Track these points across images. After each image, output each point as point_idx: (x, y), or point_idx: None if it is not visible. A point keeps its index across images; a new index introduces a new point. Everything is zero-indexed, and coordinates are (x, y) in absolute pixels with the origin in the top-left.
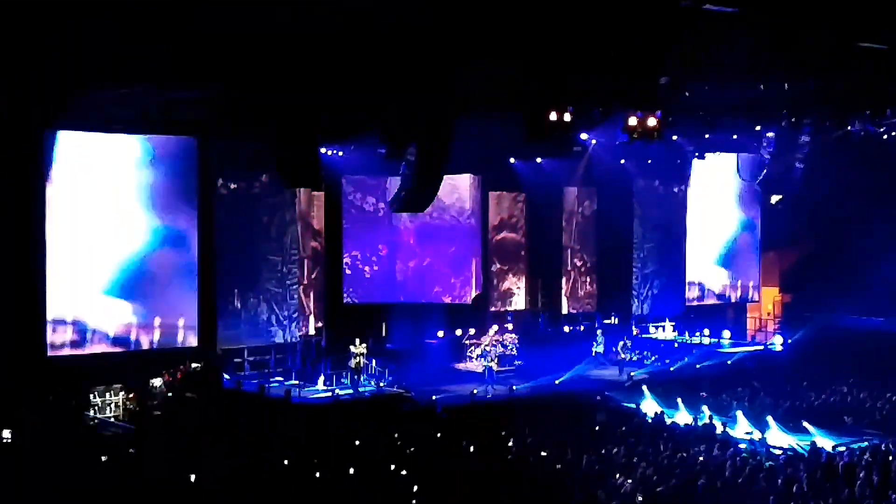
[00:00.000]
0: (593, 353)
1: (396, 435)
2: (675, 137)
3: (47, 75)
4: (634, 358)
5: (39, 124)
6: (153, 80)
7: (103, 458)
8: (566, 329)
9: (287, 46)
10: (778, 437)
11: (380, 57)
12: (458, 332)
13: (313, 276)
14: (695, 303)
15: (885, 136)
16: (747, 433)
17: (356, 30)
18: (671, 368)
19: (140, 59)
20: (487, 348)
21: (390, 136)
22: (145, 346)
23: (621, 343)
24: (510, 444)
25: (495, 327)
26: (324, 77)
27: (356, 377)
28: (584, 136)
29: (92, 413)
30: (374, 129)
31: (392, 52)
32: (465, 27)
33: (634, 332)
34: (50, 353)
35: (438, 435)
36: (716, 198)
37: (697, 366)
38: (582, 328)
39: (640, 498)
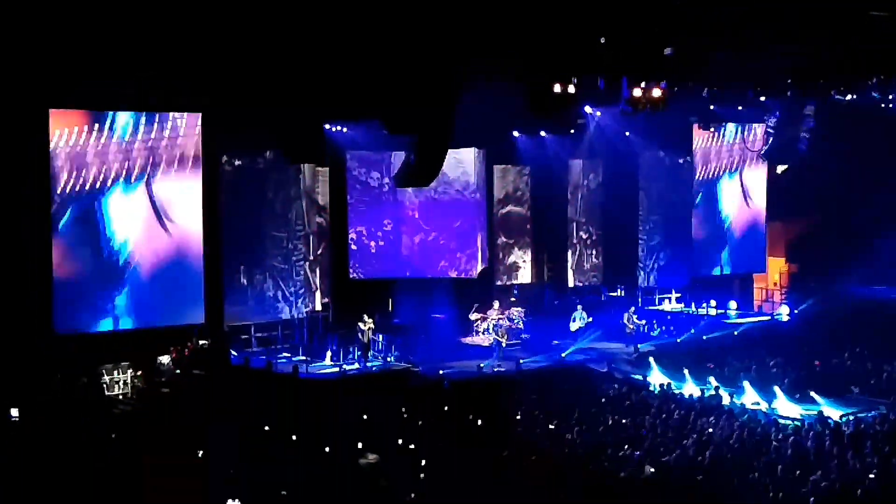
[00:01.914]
0: (572, 329)
1: (404, 409)
2: (679, 108)
3: (51, 55)
4: (643, 329)
5: (45, 103)
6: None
7: (113, 436)
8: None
9: (288, 28)
10: (785, 407)
11: (381, 35)
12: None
13: (319, 252)
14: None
15: (893, 106)
16: (754, 403)
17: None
18: (678, 340)
19: (145, 42)
20: (500, 322)
21: (392, 122)
22: (153, 323)
23: (626, 315)
24: (518, 417)
25: (498, 303)
26: (326, 53)
27: (364, 352)
28: (588, 109)
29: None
30: (376, 111)
31: (393, 30)
32: (467, 6)
33: (640, 304)
34: (58, 330)
35: (446, 409)
36: (721, 168)
37: (704, 337)
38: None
39: (649, 469)
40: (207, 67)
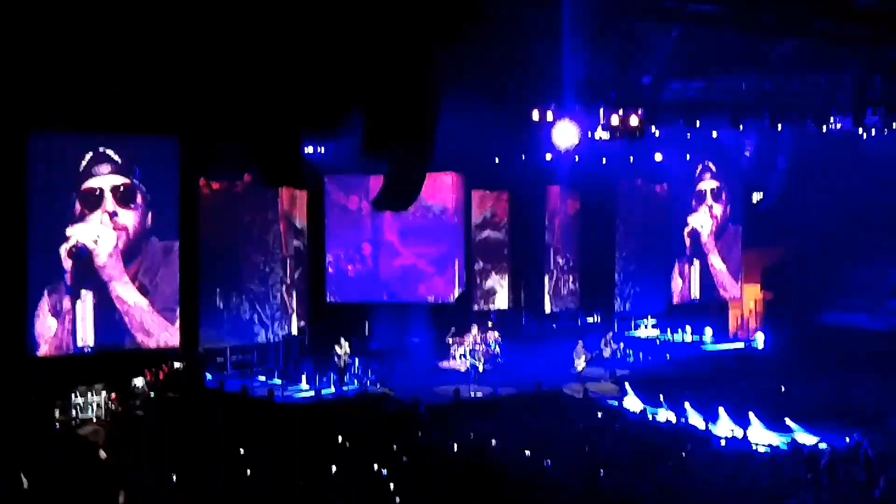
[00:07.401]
0: (579, 371)
1: (379, 434)
2: (656, 133)
3: (29, 80)
4: (619, 354)
5: (24, 127)
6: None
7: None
8: (553, 326)
9: (265, 53)
10: (760, 435)
11: (360, 63)
12: (452, 335)
13: (296, 276)
14: (678, 300)
15: (866, 136)
16: (730, 430)
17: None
18: (653, 366)
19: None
20: (477, 347)
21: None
22: (127, 345)
23: (604, 339)
24: (493, 443)
25: (476, 327)
26: (304, 75)
27: (340, 377)
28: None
29: (73, 413)
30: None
31: (371, 58)
32: (444, 26)
33: (616, 329)
34: (32, 353)
35: (420, 434)
36: (698, 196)
37: (679, 363)
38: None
39: (623, 496)
40: (183, 91)
